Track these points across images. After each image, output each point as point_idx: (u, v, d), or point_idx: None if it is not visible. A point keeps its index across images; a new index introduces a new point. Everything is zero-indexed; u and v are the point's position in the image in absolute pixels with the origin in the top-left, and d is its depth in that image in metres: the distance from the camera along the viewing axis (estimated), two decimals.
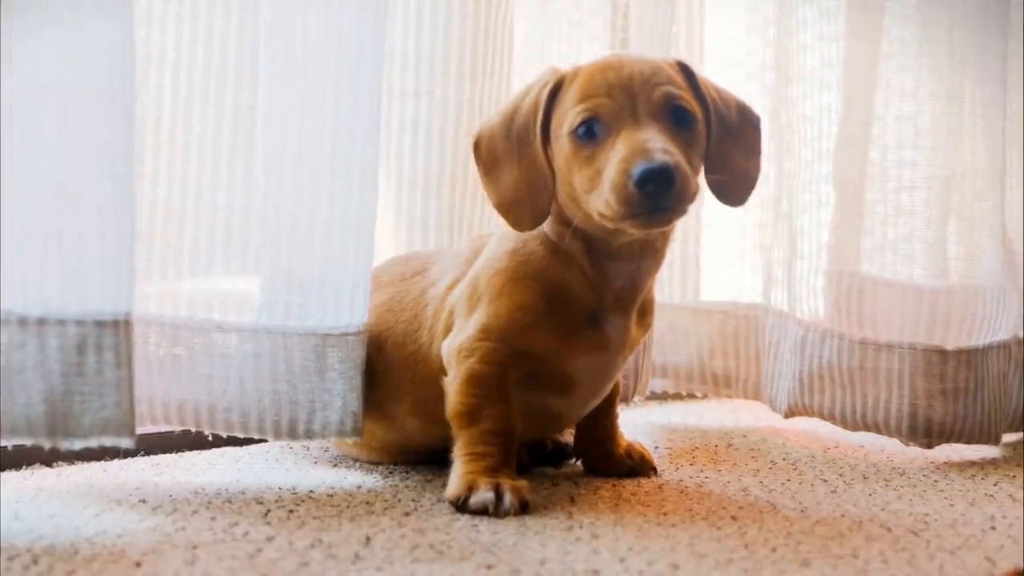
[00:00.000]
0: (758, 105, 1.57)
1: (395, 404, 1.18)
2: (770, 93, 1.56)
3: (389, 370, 1.18)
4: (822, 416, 1.45)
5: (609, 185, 1.00)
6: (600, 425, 1.24)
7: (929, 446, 1.40)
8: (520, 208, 1.09)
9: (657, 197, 0.98)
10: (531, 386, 1.12)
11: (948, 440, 1.39)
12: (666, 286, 1.61)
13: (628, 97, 1.04)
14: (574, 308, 1.10)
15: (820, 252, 1.49)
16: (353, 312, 1.15)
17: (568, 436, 1.30)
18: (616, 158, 1.00)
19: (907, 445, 1.41)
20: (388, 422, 1.19)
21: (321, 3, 1.12)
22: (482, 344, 1.09)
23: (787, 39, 1.50)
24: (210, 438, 1.24)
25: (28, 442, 0.98)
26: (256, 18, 1.15)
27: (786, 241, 1.51)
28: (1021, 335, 1.48)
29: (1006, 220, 1.51)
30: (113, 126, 0.99)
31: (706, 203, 1.65)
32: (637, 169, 0.98)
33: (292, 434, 1.15)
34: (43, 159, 0.97)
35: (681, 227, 1.62)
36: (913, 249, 1.46)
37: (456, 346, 1.10)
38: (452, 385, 1.10)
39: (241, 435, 1.16)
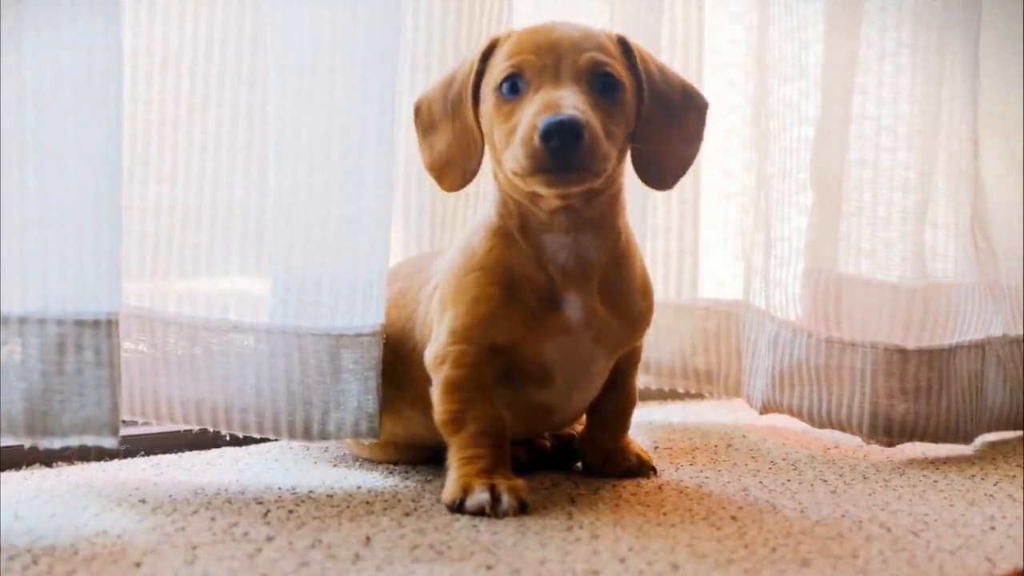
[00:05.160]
0: (753, 101, 1.58)
1: (399, 397, 1.18)
2: (758, 92, 1.55)
3: (393, 364, 1.18)
4: (791, 413, 1.45)
5: (519, 139, 1.01)
6: (608, 434, 1.23)
7: (890, 444, 1.39)
8: (451, 168, 1.11)
9: (563, 153, 0.99)
10: (511, 381, 1.12)
11: (911, 439, 1.39)
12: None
13: (554, 57, 1.05)
14: (526, 291, 1.10)
15: (796, 250, 1.48)
16: (367, 312, 1.15)
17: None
18: (528, 112, 1.02)
19: (867, 443, 1.41)
20: (395, 415, 1.19)
21: None
22: (452, 348, 1.09)
23: (770, 39, 1.50)
24: (211, 435, 1.24)
25: (9, 440, 0.98)
26: (270, 14, 1.15)
27: (764, 238, 1.51)
28: (1015, 334, 1.48)
29: (988, 219, 1.51)
30: (98, 125, 0.99)
31: (704, 203, 1.66)
32: (543, 122, 0.99)
33: (307, 435, 1.15)
34: (25, 158, 0.96)
35: (679, 222, 1.63)
36: (876, 248, 1.45)
37: (432, 355, 1.11)
38: (435, 394, 1.11)
39: (257, 435, 1.16)
